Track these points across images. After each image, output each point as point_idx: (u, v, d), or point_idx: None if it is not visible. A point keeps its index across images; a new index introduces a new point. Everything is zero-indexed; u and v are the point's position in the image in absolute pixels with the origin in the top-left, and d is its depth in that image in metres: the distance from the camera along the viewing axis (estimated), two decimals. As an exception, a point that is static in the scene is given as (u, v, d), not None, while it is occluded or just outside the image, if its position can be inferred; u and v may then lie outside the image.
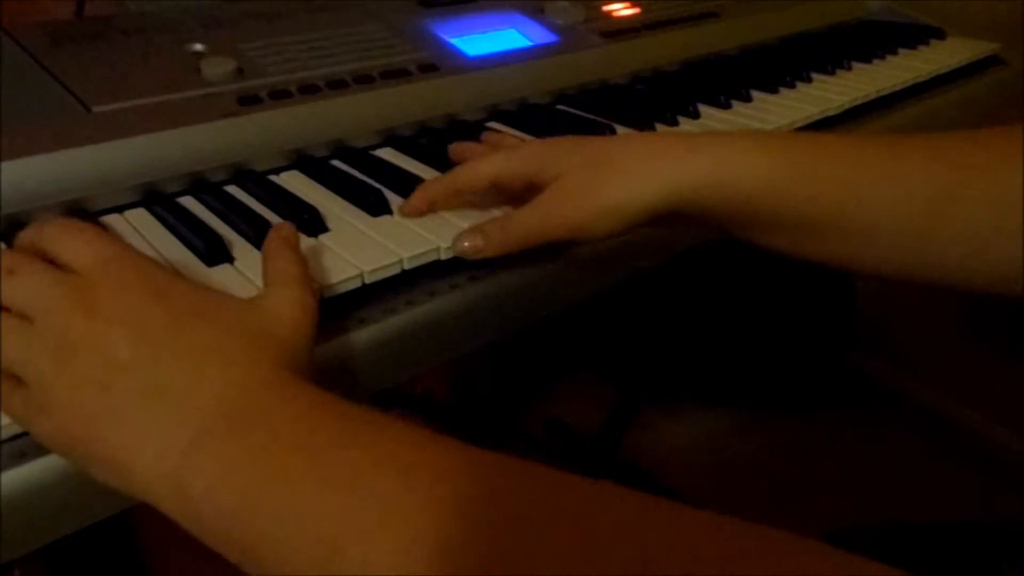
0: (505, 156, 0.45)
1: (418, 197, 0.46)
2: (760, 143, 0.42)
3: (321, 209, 0.46)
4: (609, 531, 0.23)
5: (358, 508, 0.24)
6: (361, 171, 0.52)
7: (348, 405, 0.28)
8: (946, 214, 0.38)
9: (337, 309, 0.40)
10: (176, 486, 0.27)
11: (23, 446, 0.31)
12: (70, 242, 0.32)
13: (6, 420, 0.31)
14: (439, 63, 0.62)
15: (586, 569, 0.22)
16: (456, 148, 0.51)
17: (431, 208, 0.46)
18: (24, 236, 0.35)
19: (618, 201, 0.41)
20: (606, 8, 0.78)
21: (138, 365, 0.28)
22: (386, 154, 0.56)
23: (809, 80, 0.74)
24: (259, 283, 0.38)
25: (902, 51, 0.84)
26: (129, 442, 0.28)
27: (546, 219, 0.42)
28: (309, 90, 0.55)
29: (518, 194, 0.45)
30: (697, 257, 0.56)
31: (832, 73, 0.76)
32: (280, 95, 0.54)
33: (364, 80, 0.58)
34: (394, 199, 0.48)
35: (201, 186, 0.49)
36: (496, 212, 0.47)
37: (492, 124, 0.62)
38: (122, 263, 0.32)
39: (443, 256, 0.43)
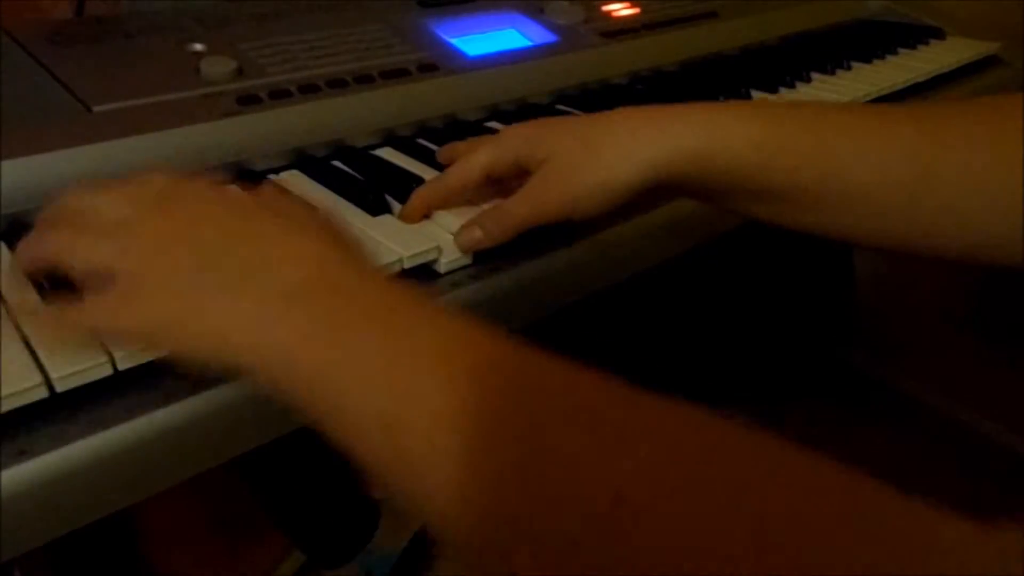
0: (493, 146, 0.45)
1: (415, 203, 0.46)
2: (742, 114, 0.42)
3: (321, 209, 0.46)
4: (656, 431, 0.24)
5: (422, 388, 0.26)
6: (361, 171, 0.52)
7: (417, 291, 0.31)
8: (929, 187, 0.38)
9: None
10: (261, 355, 0.29)
11: (23, 445, 0.31)
12: (139, 177, 0.36)
13: (6, 393, 0.31)
14: (439, 63, 0.62)
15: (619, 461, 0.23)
16: (444, 151, 0.51)
17: (429, 211, 0.46)
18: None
19: (606, 178, 0.42)
20: (606, 8, 0.78)
21: (224, 250, 0.31)
22: (386, 154, 0.56)
23: (809, 80, 0.74)
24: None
25: (902, 51, 0.84)
26: (222, 315, 0.30)
27: (538, 202, 0.43)
28: (309, 90, 0.55)
29: (513, 182, 0.45)
30: (696, 257, 0.56)
31: (832, 73, 0.76)
32: (280, 95, 0.54)
33: (364, 80, 0.58)
34: (394, 199, 0.48)
35: (201, 186, 0.49)
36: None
37: (492, 124, 0.62)
38: (188, 182, 0.36)
39: (443, 256, 0.43)
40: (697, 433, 0.24)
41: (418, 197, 0.46)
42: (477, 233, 0.43)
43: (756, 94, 0.70)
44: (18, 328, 0.34)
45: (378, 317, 0.29)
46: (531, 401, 0.26)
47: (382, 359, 0.28)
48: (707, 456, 0.23)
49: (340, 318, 0.29)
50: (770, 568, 0.19)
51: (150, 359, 0.34)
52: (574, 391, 0.26)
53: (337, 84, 0.57)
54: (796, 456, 0.22)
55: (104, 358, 0.33)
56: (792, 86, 0.72)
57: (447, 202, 0.46)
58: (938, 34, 0.90)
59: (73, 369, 0.32)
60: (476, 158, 0.45)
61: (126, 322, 0.32)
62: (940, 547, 0.19)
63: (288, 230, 0.33)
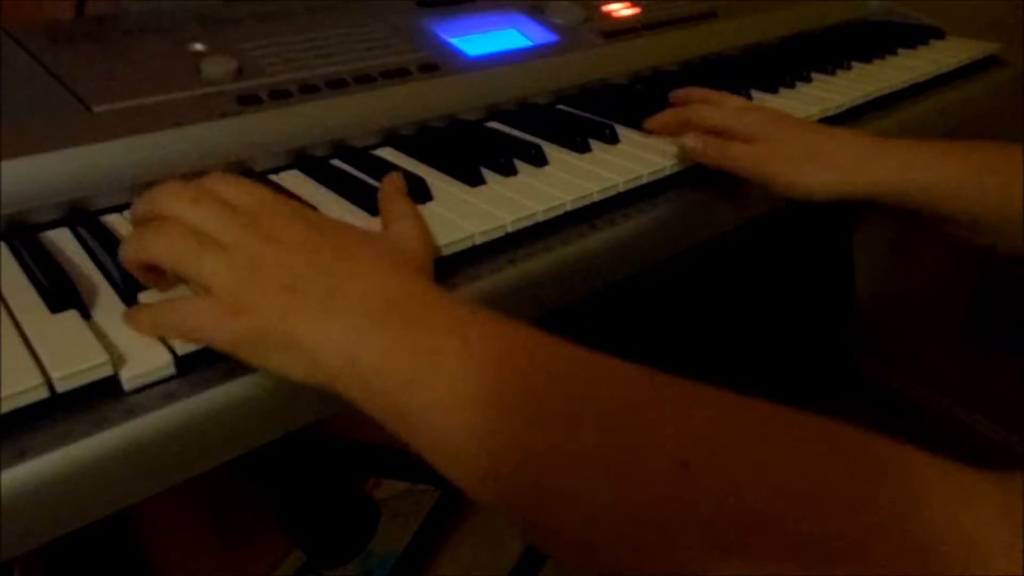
0: (736, 111, 0.55)
1: (665, 117, 0.58)
2: (938, 154, 0.51)
3: (320, 208, 0.46)
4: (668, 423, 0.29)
5: (484, 388, 0.31)
6: (361, 170, 0.52)
7: (471, 306, 0.35)
8: None
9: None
10: (351, 364, 0.32)
11: (24, 445, 0.31)
12: (234, 187, 0.38)
13: (6, 393, 0.31)
14: (439, 63, 0.62)
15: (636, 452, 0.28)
16: (680, 93, 0.62)
17: (671, 128, 0.57)
18: (191, 183, 0.39)
19: (813, 188, 0.51)
20: (606, 8, 0.78)
21: (315, 275, 0.35)
22: (386, 154, 0.56)
23: (809, 80, 0.74)
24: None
25: (902, 51, 0.84)
26: (313, 332, 0.33)
27: (760, 164, 0.51)
28: (309, 90, 0.55)
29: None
30: (697, 258, 0.57)
31: (832, 73, 0.76)
32: (280, 95, 0.54)
33: (364, 80, 0.58)
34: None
35: (201, 186, 0.49)
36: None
37: (492, 124, 0.62)
38: (279, 203, 0.38)
39: (443, 253, 0.43)
40: (728, 402, 0.30)
41: (667, 114, 0.58)
42: (700, 144, 0.52)
43: (756, 94, 0.70)
44: (18, 328, 0.34)
45: (447, 331, 0.33)
46: (579, 382, 0.32)
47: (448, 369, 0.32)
48: (749, 412, 0.30)
49: (413, 338, 0.33)
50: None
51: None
52: (625, 371, 0.32)
53: (337, 84, 0.57)
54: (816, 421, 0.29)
55: (104, 358, 0.33)
56: (792, 86, 0.72)
57: (682, 129, 0.55)
58: (938, 34, 0.90)
59: (73, 369, 0.32)
60: (719, 114, 0.54)
61: (230, 330, 0.34)
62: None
63: (374, 260, 0.37)
